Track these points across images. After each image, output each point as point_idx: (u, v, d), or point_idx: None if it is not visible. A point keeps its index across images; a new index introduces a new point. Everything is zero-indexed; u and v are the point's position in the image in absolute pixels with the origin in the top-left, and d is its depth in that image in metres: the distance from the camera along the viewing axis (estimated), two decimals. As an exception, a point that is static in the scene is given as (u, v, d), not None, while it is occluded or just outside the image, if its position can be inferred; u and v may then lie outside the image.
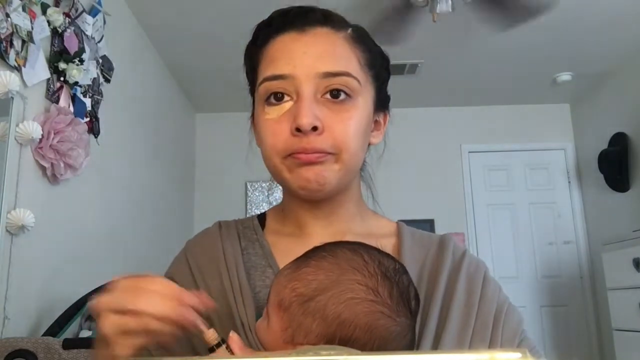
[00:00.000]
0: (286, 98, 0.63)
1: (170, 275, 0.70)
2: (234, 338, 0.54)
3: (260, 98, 0.65)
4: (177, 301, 0.51)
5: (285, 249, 0.69)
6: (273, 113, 0.64)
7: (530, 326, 4.13)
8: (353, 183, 0.71)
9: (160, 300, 0.50)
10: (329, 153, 0.63)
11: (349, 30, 0.67)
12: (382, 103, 0.71)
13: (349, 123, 0.63)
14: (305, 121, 0.60)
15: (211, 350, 0.53)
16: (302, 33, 0.65)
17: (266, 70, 0.65)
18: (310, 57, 0.63)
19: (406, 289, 0.57)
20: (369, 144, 0.71)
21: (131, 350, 0.50)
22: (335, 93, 0.63)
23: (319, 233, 0.69)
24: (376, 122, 0.71)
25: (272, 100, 0.64)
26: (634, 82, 3.59)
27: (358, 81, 0.64)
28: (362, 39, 0.68)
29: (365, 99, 0.65)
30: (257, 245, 0.71)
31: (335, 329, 0.52)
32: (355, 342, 0.52)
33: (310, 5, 0.68)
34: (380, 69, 0.70)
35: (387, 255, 0.59)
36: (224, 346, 0.53)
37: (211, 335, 0.53)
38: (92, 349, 0.55)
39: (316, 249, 0.58)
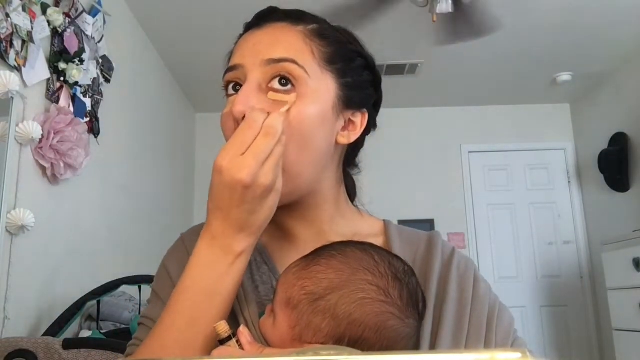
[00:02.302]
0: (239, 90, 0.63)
1: (169, 265, 0.70)
2: (243, 332, 0.54)
3: (225, 93, 0.66)
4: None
5: (276, 248, 0.69)
6: (228, 106, 0.64)
7: (530, 326, 4.16)
8: (324, 185, 0.67)
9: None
10: None
11: (310, 26, 0.65)
12: (356, 101, 0.67)
13: (290, 116, 0.60)
14: (236, 108, 0.59)
15: (221, 342, 0.53)
16: (258, 29, 0.65)
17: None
18: (258, 47, 0.63)
19: (415, 290, 0.57)
20: (338, 144, 0.67)
21: (273, 175, 0.55)
22: (283, 82, 0.61)
23: (302, 234, 0.69)
24: (350, 121, 0.68)
25: (231, 91, 0.65)
26: (634, 82, 3.59)
27: (305, 71, 0.61)
28: (324, 34, 0.65)
29: (317, 94, 0.62)
30: None
31: (345, 329, 0.52)
32: (364, 342, 0.52)
33: (275, 7, 0.68)
34: (350, 66, 0.67)
35: (396, 256, 0.59)
36: (234, 340, 0.53)
37: (222, 328, 0.53)
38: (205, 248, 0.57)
39: (325, 248, 0.58)
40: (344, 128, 0.67)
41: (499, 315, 0.64)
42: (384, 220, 0.75)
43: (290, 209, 0.67)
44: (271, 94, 0.61)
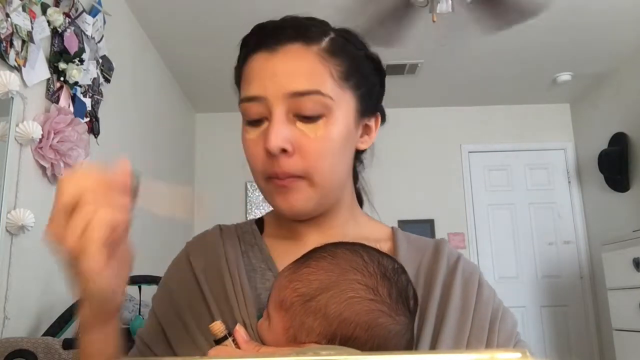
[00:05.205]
0: (263, 120, 0.64)
1: (169, 283, 0.72)
2: (239, 331, 0.55)
3: (242, 116, 0.67)
4: (110, 189, 0.51)
5: (284, 252, 0.70)
6: (252, 133, 0.65)
7: (530, 326, 4.15)
8: (345, 191, 0.71)
9: (87, 176, 0.51)
10: (301, 177, 0.63)
11: (323, 43, 0.65)
12: (370, 108, 0.70)
13: (322, 143, 0.62)
14: (273, 145, 0.61)
15: (217, 342, 0.54)
16: (272, 53, 0.63)
17: (243, 90, 0.66)
18: (279, 77, 0.62)
19: (405, 288, 0.58)
20: (357, 150, 0.70)
21: (101, 255, 0.48)
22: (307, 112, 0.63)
23: (314, 238, 0.69)
24: (366, 126, 0.70)
25: (253, 117, 0.65)
26: (634, 82, 3.59)
27: (330, 97, 0.63)
28: (337, 50, 0.65)
29: (342, 113, 0.64)
30: (257, 249, 0.72)
31: (336, 328, 0.53)
32: (355, 340, 0.53)
33: (281, 21, 0.67)
34: (363, 75, 0.68)
35: (387, 255, 0.60)
36: (230, 339, 0.54)
37: (218, 327, 0.54)
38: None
39: (316, 250, 0.59)
40: (362, 134, 0.70)
41: (501, 318, 0.65)
42: (392, 227, 0.76)
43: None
44: (300, 125, 0.62)
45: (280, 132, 0.61)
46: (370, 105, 0.69)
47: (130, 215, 0.52)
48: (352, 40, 0.69)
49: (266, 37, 0.65)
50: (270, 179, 0.64)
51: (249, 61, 0.66)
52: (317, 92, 0.62)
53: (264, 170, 0.64)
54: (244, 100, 0.65)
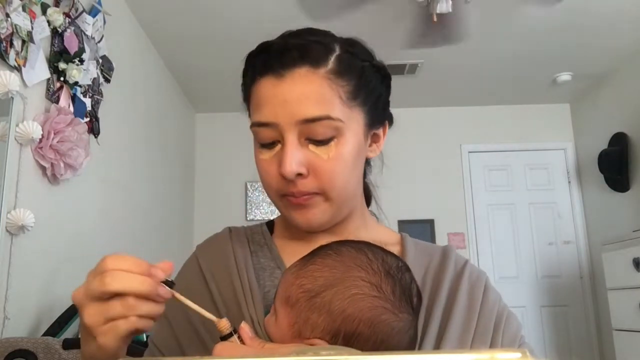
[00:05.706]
0: (276, 142, 0.66)
1: (182, 278, 0.73)
2: (244, 328, 0.56)
3: (254, 138, 0.68)
4: (150, 277, 0.52)
5: (293, 252, 0.71)
6: (266, 154, 0.67)
7: (530, 326, 4.15)
8: (356, 199, 0.73)
9: (136, 278, 0.51)
10: (317, 193, 0.65)
11: (330, 64, 0.65)
12: (378, 118, 0.71)
13: (335, 163, 0.65)
14: (288, 170, 0.63)
15: (223, 338, 0.55)
16: (280, 79, 0.64)
17: (254, 114, 0.67)
18: (290, 105, 0.63)
19: (408, 286, 0.59)
20: (367, 158, 0.72)
21: (117, 340, 0.50)
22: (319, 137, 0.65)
23: (325, 241, 0.70)
24: (374, 135, 0.72)
25: (265, 140, 0.67)
26: (634, 82, 3.59)
27: (340, 120, 0.64)
28: (344, 70, 0.65)
29: (352, 132, 0.66)
30: (266, 249, 0.74)
31: (340, 324, 0.54)
32: (359, 336, 0.54)
33: (285, 40, 0.67)
34: (370, 89, 0.68)
35: (391, 253, 0.61)
36: (235, 336, 0.55)
37: (224, 325, 0.55)
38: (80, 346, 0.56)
39: (322, 247, 0.60)
40: (370, 144, 0.72)
41: (506, 321, 0.66)
42: (401, 233, 0.78)
43: None
44: (312, 147, 0.64)
45: (295, 157, 0.63)
46: (378, 115, 0.71)
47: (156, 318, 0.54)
48: (357, 53, 0.69)
49: (272, 60, 0.65)
50: (285, 196, 0.66)
51: (256, 84, 0.66)
52: (327, 117, 0.63)
53: (278, 189, 0.66)
54: (256, 125, 0.66)
